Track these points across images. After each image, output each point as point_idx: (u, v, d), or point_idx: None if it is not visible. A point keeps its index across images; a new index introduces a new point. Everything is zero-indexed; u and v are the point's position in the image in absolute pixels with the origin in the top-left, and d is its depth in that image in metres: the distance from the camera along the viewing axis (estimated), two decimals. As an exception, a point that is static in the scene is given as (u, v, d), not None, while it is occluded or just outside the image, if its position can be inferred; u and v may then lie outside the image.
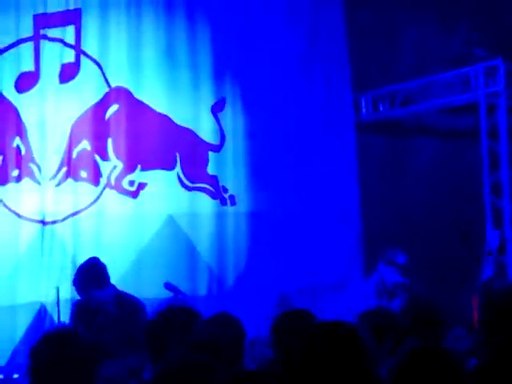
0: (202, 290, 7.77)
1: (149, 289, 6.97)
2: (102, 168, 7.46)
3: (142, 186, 7.62)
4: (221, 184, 8.03)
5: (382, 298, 6.52)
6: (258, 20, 8.32)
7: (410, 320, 4.35)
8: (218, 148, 8.06)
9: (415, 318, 4.38)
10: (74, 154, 7.33)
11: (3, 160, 7.02)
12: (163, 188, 7.73)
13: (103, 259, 6.21)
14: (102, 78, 7.48)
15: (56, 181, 7.22)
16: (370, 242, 8.34)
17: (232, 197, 8.10)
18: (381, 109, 9.11)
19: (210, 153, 8.01)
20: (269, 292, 8.03)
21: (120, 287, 6.23)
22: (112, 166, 7.50)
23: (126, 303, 6.05)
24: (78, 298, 6.61)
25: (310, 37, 8.61)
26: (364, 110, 9.10)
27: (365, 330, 4.06)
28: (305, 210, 8.38)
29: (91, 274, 6.05)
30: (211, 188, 7.98)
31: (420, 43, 9.42)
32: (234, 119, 8.16)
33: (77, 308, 6.25)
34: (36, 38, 7.19)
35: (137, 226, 7.53)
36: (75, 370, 3.05)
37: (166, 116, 7.75)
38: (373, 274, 6.82)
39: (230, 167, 8.11)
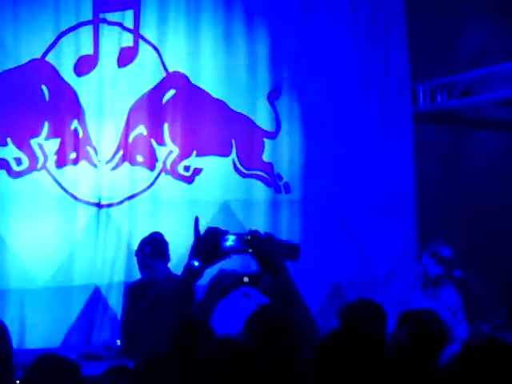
0: (255, 278, 7.72)
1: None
2: (157, 153, 7.46)
3: (197, 171, 7.62)
4: (276, 171, 8.00)
5: (427, 288, 6.49)
6: (317, 9, 8.27)
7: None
8: (273, 135, 8.03)
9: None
10: (131, 139, 7.34)
11: (61, 143, 7.04)
12: (218, 174, 7.72)
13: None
14: (160, 62, 7.48)
15: (112, 164, 7.23)
16: (426, 233, 8.23)
17: (286, 184, 8.06)
18: (439, 99, 8.98)
19: (266, 140, 7.99)
20: (321, 282, 7.99)
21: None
22: (168, 150, 7.50)
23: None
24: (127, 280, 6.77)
25: (369, 26, 8.56)
26: (421, 100, 8.99)
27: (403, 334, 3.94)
28: (360, 200, 8.32)
29: (157, 244, 6.13)
30: (266, 175, 7.95)
31: (480, 34, 9.28)
32: (289, 106, 8.12)
33: (128, 290, 6.30)
34: (95, 22, 7.20)
35: (191, 211, 7.45)
36: None
37: (222, 102, 7.73)
38: (417, 265, 6.79)
39: (285, 155, 8.07)
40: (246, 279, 3.32)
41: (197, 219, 3.35)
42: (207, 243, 3.31)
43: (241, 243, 3.31)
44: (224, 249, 3.32)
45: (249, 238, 3.32)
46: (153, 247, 6.13)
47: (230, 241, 3.31)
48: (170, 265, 6.21)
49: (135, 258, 6.34)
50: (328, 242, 8.11)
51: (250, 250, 3.32)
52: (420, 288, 6.56)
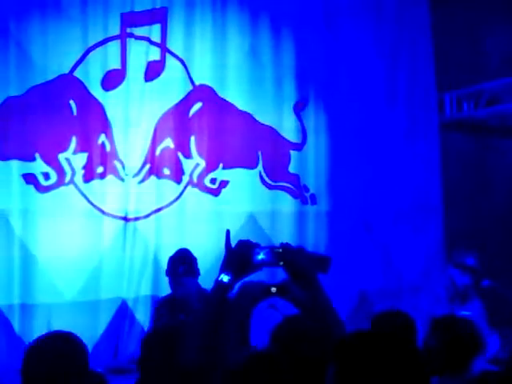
0: (282, 290, 7.71)
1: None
2: (184, 166, 7.48)
3: (223, 184, 7.63)
4: (302, 183, 8.00)
5: (454, 301, 6.42)
6: (342, 19, 8.28)
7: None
8: (299, 147, 8.04)
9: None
10: (158, 152, 7.36)
11: (88, 157, 7.08)
12: (245, 186, 7.73)
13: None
14: (187, 76, 7.51)
15: (139, 177, 7.25)
16: (453, 242, 8.19)
17: (313, 196, 8.06)
18: (465, 108, 8.96)
19: (292, 151, 7.99)
20: (348, 292, 7.97)
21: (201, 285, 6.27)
22: (194, 163, 7.52)
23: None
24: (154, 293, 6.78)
25: (395, 35, 8.56)
26: (448, 110, 8.98)
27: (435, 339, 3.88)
28: (387, 210, 8.29)
29: (189, 262, 6.20)
30: (292, 187, 7.96)
31: (506, 43, 9.24)
32: (316, 118, 8.13)
33: (159, 305, 6.32)
34: (123, 37, 7.25)
35: (218, 224, 7.49)
36: None
37: (248, 114, 7.75)
38: (443, 277, 6.74)
39: (311, 166, 8.08)
40: (273, 289, 3.31)
41: (228, 232, 3.34)
42: (239, 256, 3.30)
43: (272, 256, 3.30)
44: (256, 262, 3.31)
45: (280, 250, 3.31)
46: (186, 266, 6.18)
47: (262, 254, 3.30)
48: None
49: (166, 278, 6.36)
50: (355, 253, 8.09)
51: (282, 263, 3.31)
52: (447, 300, 6.51)
